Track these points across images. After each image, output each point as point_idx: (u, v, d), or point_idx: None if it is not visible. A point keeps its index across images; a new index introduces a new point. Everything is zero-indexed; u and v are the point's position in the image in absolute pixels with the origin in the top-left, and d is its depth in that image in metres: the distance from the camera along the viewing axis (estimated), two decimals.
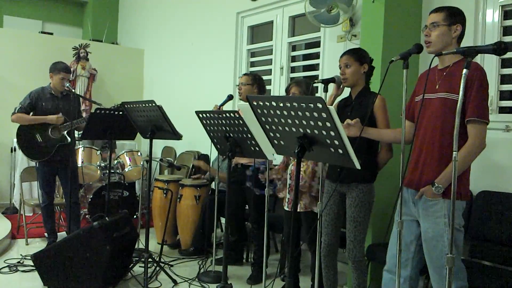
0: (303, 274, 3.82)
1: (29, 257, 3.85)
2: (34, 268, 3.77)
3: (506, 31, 3.53)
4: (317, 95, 4.37)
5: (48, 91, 4.60)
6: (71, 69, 6.28)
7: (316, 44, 4.92)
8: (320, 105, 1.85)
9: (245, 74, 4.38)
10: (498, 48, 1.97)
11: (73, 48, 7.00)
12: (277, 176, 3.67)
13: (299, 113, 1.95)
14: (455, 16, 2.47)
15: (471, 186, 2.56)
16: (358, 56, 3.08)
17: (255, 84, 4.19)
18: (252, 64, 5.87)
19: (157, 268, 4.06)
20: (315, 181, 3.37)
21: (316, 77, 4.85)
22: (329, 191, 3.16)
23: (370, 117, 2.94)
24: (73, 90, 4.60)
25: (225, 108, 4.08)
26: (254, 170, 4.01)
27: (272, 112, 2.09)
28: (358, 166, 1.95)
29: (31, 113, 4.54)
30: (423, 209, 2.51)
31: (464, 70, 1.98)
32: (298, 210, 3.44)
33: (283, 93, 5.09)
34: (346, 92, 3.24)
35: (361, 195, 3.00)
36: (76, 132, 4.92)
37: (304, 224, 3.46)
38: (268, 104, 2.08)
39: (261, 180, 4.00)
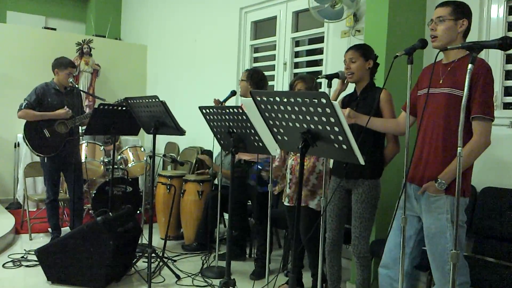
0: (306, 270, 3.81)
1: (33, 252, 3.86)
2: (38, 263, 3.78)
3: (511, 26, 3.51)
4: (320, 90, 4.36)
5: (52, 86, 4.61)
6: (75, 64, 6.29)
7: (320, 39, 4.90)
8: (324, 100, 1.84)
9: (245, 70, 4.38)
10: (503, 43, 1.96)
11: (76, 43, 7.01)
12: (278, 173, 3.67)
13: (303, 108, 1.94)
14: (461, 11, 2.45)
15: (475, 182, 2.55)
16: (363, 51, 3.07)
17: (249, 80, 4.18)
18: (256, 60, 5.86)
19: (161, 263, 4.07)
20: (313, 175, 3.37)
21: (319, 72, 4.83)
22: (334, 186, 3.16)
23: (376, 112, 2.94)
24: (76, 86, 4.61)
25: (228, 104, 4.08)
26: (258, 169, 4.01)
27: (275, 107, 2.08)
28: (362, 162, 1.94)
29: (37, 109, 4.55)
30: (425, 205, 2.50)
31: (469, 66, 1.97)
32: (292, 204, 3.45)
33: (286, 88, 5.08)
34: (350, 88, 3.23)
35: (367, 191, 2.99)
36: (80, 127, 4.93)
37: (302, 220, 3.44)
38: (271, 99, 2.07)
39: (263, 178, 4.00)
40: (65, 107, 4.55)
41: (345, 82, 3.20)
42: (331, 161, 3.31)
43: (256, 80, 4.19)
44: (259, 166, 4.02)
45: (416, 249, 2.64)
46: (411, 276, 2.71)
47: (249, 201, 4.46)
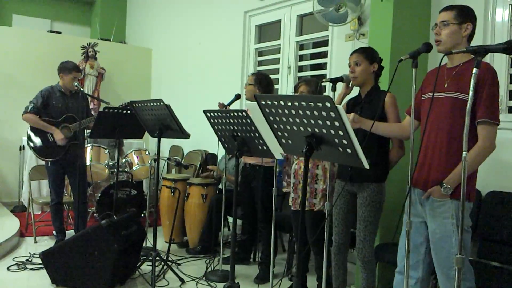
0: (311, 274, 3.81)
1: (38, 255, 3.88)
2: (42, 266, 3.79)
3: None
4: (325, 94, 4.35)
5: (58, 89, 4.64)
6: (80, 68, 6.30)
7: (324, 43, 4.90)
8: (328, 104, 1.84)
9: (252, 74, 4.37)
10: (509, 47, 1.95)
11: (81, 47, 7.04)
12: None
13: (307, 112, 1.94)
14: (465, 15, 2.45)
15: (480, 186, 2.54)
16: (368, 54, 3.07)
17: (257, 84, 4.18)
18: (260, 63, 5.87)
19: (165, 267, 4.07)
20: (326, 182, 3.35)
21: (324, 76, 4.83)
22: (339, 190, 3.15)
23: (381, 115, 2.93)
24: (81, 89, 4.63)
25: (232, 107, 4.08)
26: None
27: (280, 111, 2.08)
28: (366, 166, 1.94)
29: (42, 112, 4.56)
30: (430, 210, 2.49)
31: (474, 70, 1.96)
32: (298, 209, 3.45)
33: (290, 92, 5.08)
34: (355, 91, 3.23)
35: (372, 195, 2.99)
36: (85, 130, 4.95)
37: (308, 223, 3.44)
38: (276, 103, 2.07)
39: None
40: (69, 113, 4.58)
41: (350, 85, 3.19)
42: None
43: (264, 84, 4.18)
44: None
45: (429, 255, 2.58)
46: (426, 282, 2.66)
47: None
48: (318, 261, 3.48)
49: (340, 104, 2.94)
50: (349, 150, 1.94)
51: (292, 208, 3.52)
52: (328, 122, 1.90)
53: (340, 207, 3.16)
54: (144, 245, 4.28)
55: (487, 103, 2.32)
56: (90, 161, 5.45)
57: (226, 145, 3.25)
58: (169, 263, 4.14)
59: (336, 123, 1.88)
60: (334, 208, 3.15)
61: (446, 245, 2.39)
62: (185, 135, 3.63)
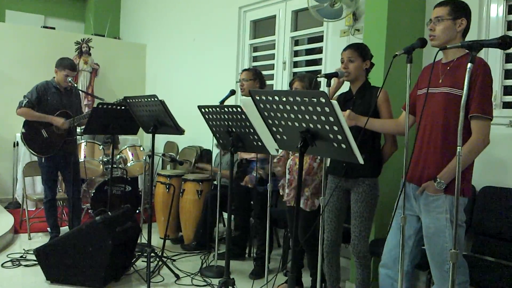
0: (306, 270, 3.81)
1: (32, 252, 3.86)
2: (36, 262, 3.78)
3: (511, 25, 3.50)
4: (320, 89, 4.35)
5: (53, 85, 4.61)
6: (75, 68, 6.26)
7: (319, 38, 4.89)
8: (323, 100, 1.84)
9: (245, 70, 4.36)
10: (503, 42, 1.95)
11: (75, 43, 7.01)
12: (276, 167, 3.63)
13: (302, 107, 1.94)
14: (460, 10, 2.45)
15: (474, 181, 2.55)
16: (361, 51, 3.07)
17: (257, 79, 4.18)
18: (255, 59, 5.85)
19: (160, 263, 4.07)
20: (309, 176, 3.35)
21: (319, 71, 4.82)
22: (332, 187, 3.15)
23: (374, 111, 2.93)
24: (75, 85, 4.60)
25: (227, 103, 4.07)
26: (252, 169, 4.01)
27: (275, 106, 2.08)
28: (361, 161, 1.94)
29: (36, 107, 4.54)
30: (424, 205, 2.50)
31: (469, 65, 1.96)
32: (292, 205, 3.45)
33: (285, 87, 5.08)
34: (345, 86, 3.23)
35: (367, 190, 2.99)
36: (78, 127, 4.92)
37: (300, 221, 3.43)
38: (271, 98, 2.07)
39: (262, 176, 3.99)
40: (64, 109, 4.55)
41: (341, 80, 3.19)
42: (328, 160, 3.31)
43: (263, 79, 4.21)
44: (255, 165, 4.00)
45: (415, 248, 2.64)
46: (411, 275, 2.71)
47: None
48: (310, 258, 3.48)
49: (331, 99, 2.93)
50: (343, 146, 1.94)
51: (288, 204, 3.52)
52: (322, 117, 1.90)
53: (333, 204, 3.15)
54: (139, 241, 4.28)
55: (480, 98, 2.33)
56: (85, 157, 5.43)
57: (221, 141, 3.24)
58: (164, 259, 4.14)
59: (331, 118, 1.87)
60: (326, 205, 3.15)
61: (440, 240, 2.40)
62: (179, 131, 3.63)
